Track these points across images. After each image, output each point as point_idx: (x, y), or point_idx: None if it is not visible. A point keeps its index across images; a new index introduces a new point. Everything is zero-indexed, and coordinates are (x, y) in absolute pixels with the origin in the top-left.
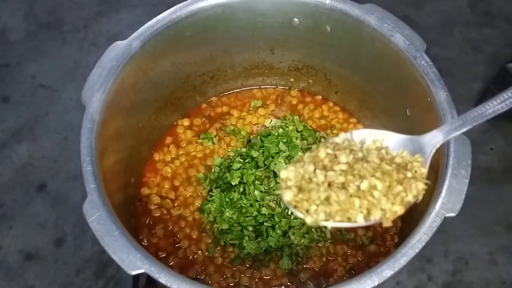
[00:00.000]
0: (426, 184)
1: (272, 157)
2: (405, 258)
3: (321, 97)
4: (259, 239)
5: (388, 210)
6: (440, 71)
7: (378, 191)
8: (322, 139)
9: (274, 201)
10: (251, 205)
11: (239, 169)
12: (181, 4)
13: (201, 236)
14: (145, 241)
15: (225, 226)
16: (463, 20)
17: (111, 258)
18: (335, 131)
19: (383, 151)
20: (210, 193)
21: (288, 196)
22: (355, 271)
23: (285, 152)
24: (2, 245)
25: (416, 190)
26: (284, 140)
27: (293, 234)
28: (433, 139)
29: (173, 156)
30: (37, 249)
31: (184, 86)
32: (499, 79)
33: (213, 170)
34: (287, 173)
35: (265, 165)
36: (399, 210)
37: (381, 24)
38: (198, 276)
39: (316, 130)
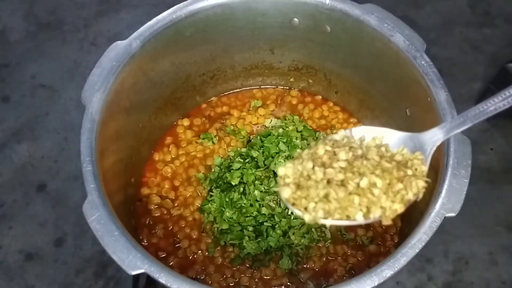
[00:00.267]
0: (426, 182)
1: (272, 157)
2: (405, 258)
3: (321, 97)
4: (259, 239)
5: (388, 208)
6: (440, 71)
7: (378, 188)
8: (321, 140)
9: (274, 201)
10: (251, 205)
11: (239, 169)
12: (181, 4)
13: (201, 236)
14: (145, 241)
15: (225, 226)
16: (463, 20)
17: (111, 258)
18: (335, 131)
19: (383, 149)
20: (210, 193)
21: (286, 193)
22: (355, 271)
23: (285, 152)
24: (2, 245)
25: (416, 188)
26: (284, 140)
27: (293, 234)
28: (434, 136)
29: (173, 156)
30: (37, 249)
31: (184, 86)
32: (499, 79)
33: (213, 170)
34: (285, 170)
35: (265, 165)
36: (399, 208)
37: (381, 24)
38: (198, 276)
39: (316, 130)
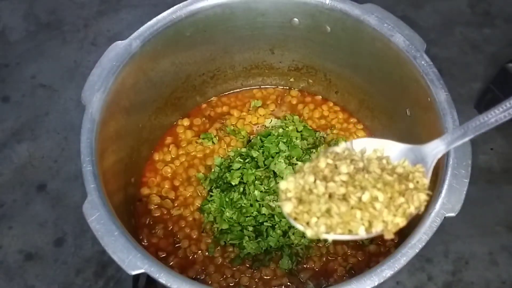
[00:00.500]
0: (428, 195)
1: (272, 157)
2: (405, 258)
3: (321, 97)
4: (259, 239)
5: (390, 222)
6: (440, 71)
7: (379, 202)
8: (322, 148)
9: (274, 201)
10: (251, 205)
11: (239, 169)
12: (181, 4)
13: (201, 236)
14: (145, 241)
15: (225, 226)
16: (463, 20)
17: (111, 258)
18: (335, 131)
19: (384, 161)
20: (210, 193)
21: (287, 208)
22: (355, 271)
23: (285, 152)
24: (2, 245)
25: (418, 201)
26: (284, 140)
27: (293, 234)
28: (435, 148)
29: (173, 156)
30: (37, 249)
31: (184, 86)
32: (499, 79)
33: (213, 170)
34: (287, 184)
35: (265, 165)
36: (401, 222)
37: (381, 24)
38: (198, 276)
39: (316, 130)
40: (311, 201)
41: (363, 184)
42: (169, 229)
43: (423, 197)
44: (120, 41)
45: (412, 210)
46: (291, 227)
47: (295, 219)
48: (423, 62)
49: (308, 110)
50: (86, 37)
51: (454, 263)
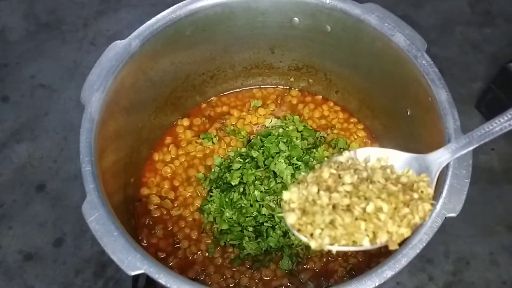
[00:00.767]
0: (432, 204)
1: (272, 157)
2: (406, 259)
3: (321, 97)
4: (259, 240)
5: (394, 233)
6: (440, 71)
7: (384, 213)
8: (322, 147)
9: (274, 201)
10: (251, 205)
11: (239, 169)
12: (180, 4)
13: (201, 236)
14: (145, 242)
15: (225, 227)
16: (463, 20)
17: (111, 259)
18: (335, 131)
19: (388, 170)
20: (210, 193)
21: (291, 219)
22: (355, 272)
23: (285, 152)
24: (2, 245)
25: (423, 211)
26: (284, 140)
27: (293, 234)
28: (439, 158)
29: (172, 156)
30: (37, 249)
31: (183, 86)
32: (499, 78)
33: (213, 170)
34: (290, 195)
35: (265, 165)
36: (406, 232)
37: (381, 24)
38: (198, 277)
39: (316, 130)
40: (315, 212)
41: (367, 194)
42: (169, 229)
43: (427, 207)
44: (119, 41)
45: (417, 220)
46: None
47: (299, 230)
48: (423, 62)
49: (308, 110)
50: (86, 36)
51: (454, 264)
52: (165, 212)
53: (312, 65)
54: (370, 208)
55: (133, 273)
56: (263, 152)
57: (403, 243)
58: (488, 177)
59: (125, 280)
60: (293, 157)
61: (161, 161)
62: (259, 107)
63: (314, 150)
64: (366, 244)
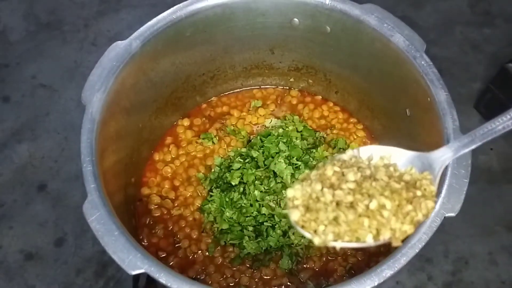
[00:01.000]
0: (435, 202)
1: (272, 157)
2: (405, 258)
3: (321, 97)
4: (259, 239)
5: (397, 229)
6: (440, 71)
7: (387, 210)
8: (322, 148)
9: (274, 201)
10: (251, 205)
11: (239, 169)
12: (181, 4)
13: (201, 236)
14: (145, 241)
15: (225, 226)
16: (463, 20)
17: (111, 258)
18: (335, 131)
19: (391, 168)
20: (210, 193)
21: (295, 216)
22: (355, 271)
23: (285, 152)
24: (2, 245)
25: (426, 209)
26: (284, 140)
27: (293, 234)
28: (442, 156)
29: (173, 156)
30: (37, 249)
31: (184, 86)
32: (499, 79)
33: (213, 170)
34: (294, 192)
35: (265, 165)
36: (409, 229)
37: (381, 24)
38: (198, 276)
39: (316, 130)
40: (319, 209)
41: (370, 192)
42: (169, 229)
43: (430, 204)
44: (120, 41)
45: (420, 217)
46: (291, 227)
47: (303, 227)
48: (423, 62)
49: (308, 110)
50: (86, 37)
51: (454, 263)
52: (165, 212)
53: (312, 66)
54: (373, 205)
55: (133, 273)
56: (263, 152)
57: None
58: (487, 177)
59: (125, 280)
60: (293, 157)
61: (161, 161)
62: (259, 107)
63: (314, 150)
64: (369, 241)
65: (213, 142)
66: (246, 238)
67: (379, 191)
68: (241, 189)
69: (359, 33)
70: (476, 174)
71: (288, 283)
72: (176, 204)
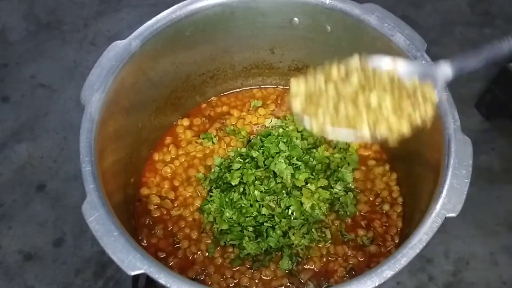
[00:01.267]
0: (434, 110)
1: (272, 157)
2: (406, 259)
3: None
4: (259, 240)
5: (394, 126)
6: None
7: (386, 105)
8: (322, 148)
9: (274, 201)
10: (251, 205)
11: (239, 169)
12: (180, 4)
13: (201, 236)
14: (145, 242)
15: (225, 227)
16: (463, 20)
17: (111, 258)
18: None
19: (395, 76)
20: (210, 193)
21: (297, 105)
22: (355, 272)
23: (285, 152)
24: (2, 245)
25: (424, 111)
26: (284, 140)
27: (293, 234)
28: (446, 71)
29: (172, 156)
30: (37, 249)
31: (184, 86)
32: (499, 79)
33: (213, 170)
34: (298, 86)
35: (265, 165)
36: (406, 128)
37: (381, 24)
38: (198, 277)
39: None
40: (321, 101)
41: (371, 86)
42: (169, 229)
43: (430, 109)
44: (119, 41)
45: (417, 117)
46: (291, 227)
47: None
48: (423, 62)
49: None
50: (86, 37)
51: (454, 264)
52: (165, 212)
53: (312, 65)
54: (373, 97)
55: (133, 273)
56: (263, 152)
57: (403, 242)
58: (488, 177)
59: (125, 280)
60: (293, 157)
61: (161, 161)
62: (259, 107)
63: (314, 150)
64: (365, 132)
65: (213, 142)
66: (246, 238)
67: (381, 86)
68: (241, 189)
69: (360, 32)
70: (477, 175)
71: (288, 284)
72: (175, 205)
